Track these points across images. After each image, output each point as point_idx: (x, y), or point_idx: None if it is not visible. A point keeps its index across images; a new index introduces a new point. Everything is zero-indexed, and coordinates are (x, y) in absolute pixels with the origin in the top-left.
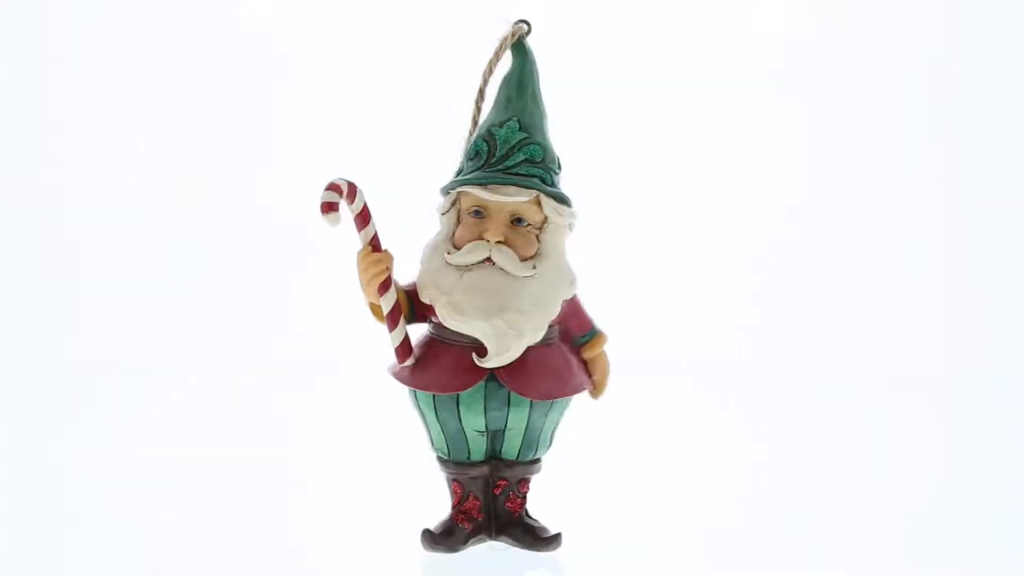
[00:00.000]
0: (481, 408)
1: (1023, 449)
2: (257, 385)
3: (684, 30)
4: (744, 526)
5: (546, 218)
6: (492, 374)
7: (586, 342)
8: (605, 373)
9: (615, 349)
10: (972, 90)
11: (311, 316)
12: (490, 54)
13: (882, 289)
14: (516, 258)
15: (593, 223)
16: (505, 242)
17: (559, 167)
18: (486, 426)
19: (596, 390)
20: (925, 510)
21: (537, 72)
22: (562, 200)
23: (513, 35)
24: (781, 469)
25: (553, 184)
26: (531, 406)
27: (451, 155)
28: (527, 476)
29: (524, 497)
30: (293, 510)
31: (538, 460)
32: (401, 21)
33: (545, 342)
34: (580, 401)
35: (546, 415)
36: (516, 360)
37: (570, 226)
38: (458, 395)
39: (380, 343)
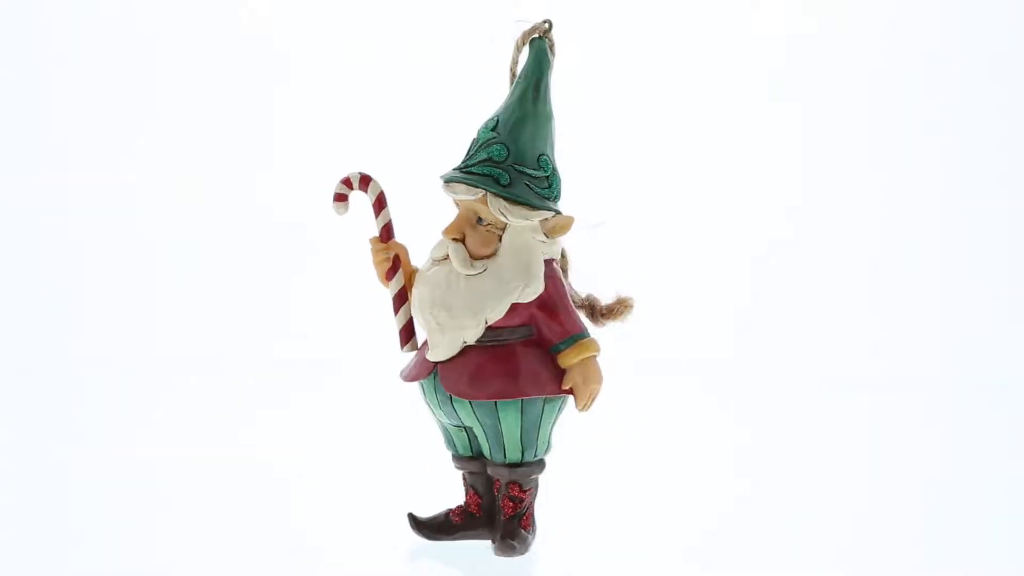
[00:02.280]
0: (435, 400)
1: (1023, 449)
2: (257, 385)
3: (684, 30)
4: (743, 526)
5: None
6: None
7: (561, 351)
8: (582, 385)
9: (615, 349)
10: (972, 90)
11: (311, 316)
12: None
13: (882, 289)
14: (466, 256)
15: (593, 223)
16: (463, 239)
17: (535, 168)
18: (447, 419)
19: (577, 402)
20: (925, 510)
21: (538, 73)
22: (519, 202)
23: (526, 34)
24: (781, 469)
25: (510, 184)
26: (473, 405)
27: (451, 152)
28: (514, 480)
29: (517, 501)
30: (293, 510)
31: (522, 465)
32: (401, 21)
33: (492, 342)
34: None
35: (496, 417)
36: (455, 357)
37: (542, 229)
38: (422, 386)
39: (379, 343)
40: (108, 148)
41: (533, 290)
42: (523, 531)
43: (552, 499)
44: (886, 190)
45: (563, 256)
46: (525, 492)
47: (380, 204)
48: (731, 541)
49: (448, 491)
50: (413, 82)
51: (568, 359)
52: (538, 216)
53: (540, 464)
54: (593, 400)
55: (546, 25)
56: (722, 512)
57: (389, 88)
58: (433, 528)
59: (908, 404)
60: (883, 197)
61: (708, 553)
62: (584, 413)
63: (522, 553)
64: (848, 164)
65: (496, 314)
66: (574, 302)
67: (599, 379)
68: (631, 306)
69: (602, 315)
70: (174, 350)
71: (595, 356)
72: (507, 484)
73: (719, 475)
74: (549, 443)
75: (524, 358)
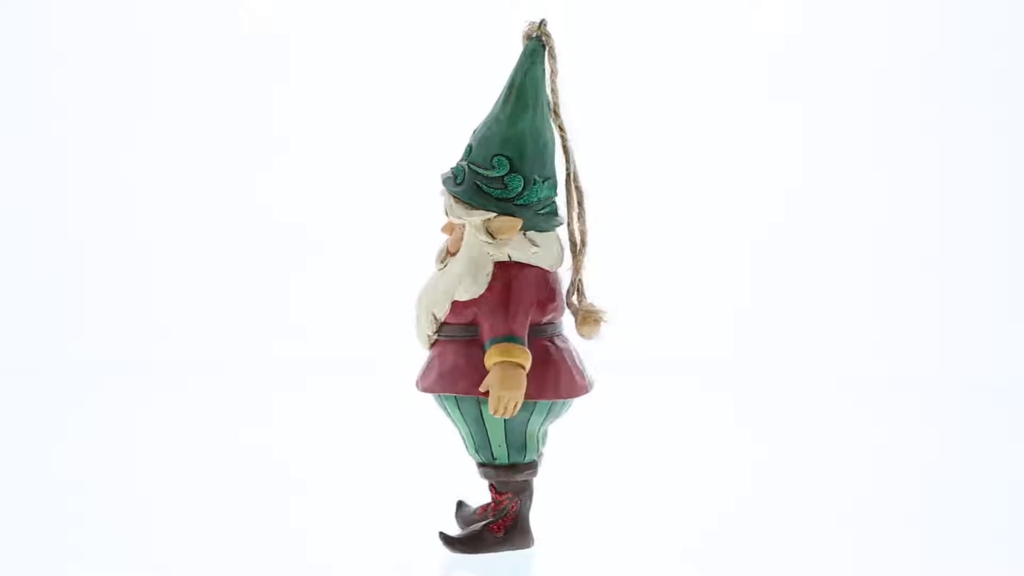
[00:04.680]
0: None
1: (1023, 449)
2: (257, 385)
3: (684, 30)
4: (742, 526)
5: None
6: None
7: (485, 351)
8: (492, 386)
9: (612, 349)
10: (972, 90)
11: (311, 316)
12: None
13: (882, 289)
14: (443, 252)
15: (593, 222)
16: (451, 236)
17: (488, 168)
18: None
19: (489, 406)
20: (925, 510)
21: (513, 75)
22: (462, 200)
23: (525, 35)
24: (780, 469)
25: (462, 183)
26: (431, 397)
27: (450, 153)
28: (488, 480)
29: (495, 503)
30: (293, 510)
31: (485, 465)
32: (402, 21)
33: (445, 337)
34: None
35: (447, 411)
36: (430, 348)
37: (487, 229)
38: None
39: (378, 343)
40: (108, 148)
41: (464, 289)
42: (487, 533)
43: (552, 499)
44: (886, 190)
45: (578, 265)
46: (501, 495)
47: None
48: (730, 541)
49: (469, 490)
50: (415, 82)
51: (487, 361)
52: (473, 215)
53: (510, 469)
54: (505, 408)
55: (539, 24)
56: (721, 512)
57: (390, 88)
58: (461, 519)
59: (908, 404)
60: (882, 197)
61: (707, 553)
62: (585, 408)
63: (460, 552)
64: (847, 164)
65: (441, 310)
66: (570, 309)
67: (510, 387)
68: (598, 320)
69: (577, 325)
70: (174, 350)
71: (511, 362)
72: (488, 484)
73: (717, 475)
74: (511, 449)
75: (458, 355)
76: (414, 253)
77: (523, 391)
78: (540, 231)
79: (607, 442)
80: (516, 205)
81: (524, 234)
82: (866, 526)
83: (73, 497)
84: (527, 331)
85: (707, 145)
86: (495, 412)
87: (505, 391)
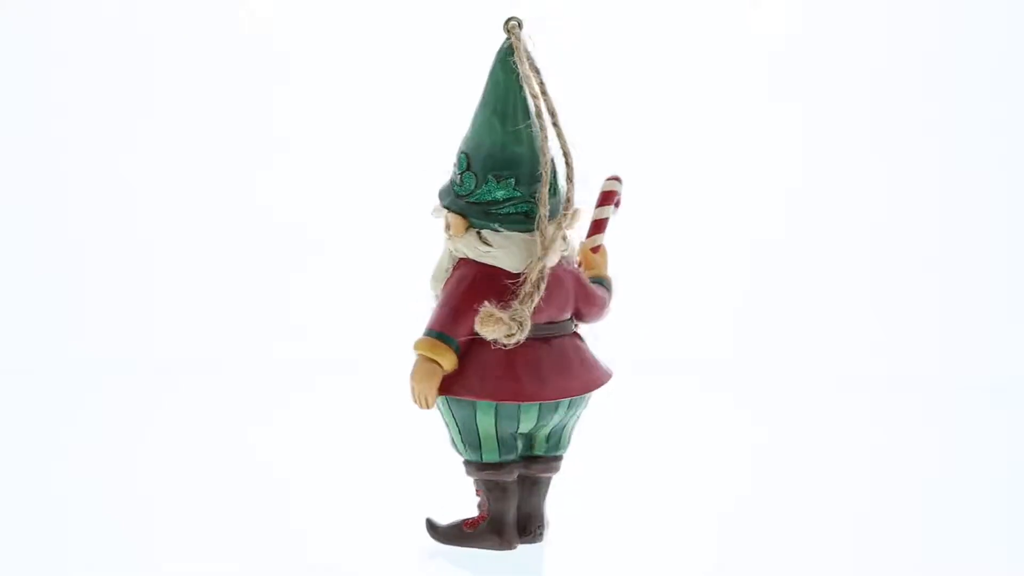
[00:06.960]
0: None
1: (1022, 450)
2: (257, 385)
3: (683, 28)
4: (742, 527)
5: None
6: None
7: None
8: (409, 377)
9: (613, 348)
10: (972, 90)
11: (312, 316)
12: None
13: (882, 289)
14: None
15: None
16: None
17: (456, 166)
18: None
19: None
20: (924, 510)
21: (488, 73)
22: (440, 195)
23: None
24: (780, 469)
25: (446, 181)
26: None
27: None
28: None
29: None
30: (293, 510)
31: (464, 461)
32: (401, 20)
33: None
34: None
35: None
36: None
37: (446, 224)
38: None
39: (378, 343)
40: (108, 148)
41: (431, 283)
42: (461, 528)
43: (551, 497)
44: (886, 190)
45: (529, 272)
46: (477, 491)
47: (603, 200)
48: (729, 542)
49: (468, 489)
50: (415, 82)
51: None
52: (435, 213)
53: (472, 466)
54: (415, 398)
55: (505, 22)
56: (720, 513)
57: (391, 88)
58: None
59: (908, 404)
60: (882, 197)
61: (706, 554)
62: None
63: (437, 541)
64: (847, 164)
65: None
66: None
67: (418, 379)
68: (494, 320)
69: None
70: (174, 350)
71: (425, 356)
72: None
73: (717, 476)
74: (466, 445)
75: None
76: (414, 253)
77: (433, 385)
78: (497, 232)
79: (606, 442)
80: (467, 203)
81: (479, 233)
82: (866, 526)
83: (73, 498)
84: (461, 328)
85: (707, 145)
86: (413, 402)
87: (414, 383)
